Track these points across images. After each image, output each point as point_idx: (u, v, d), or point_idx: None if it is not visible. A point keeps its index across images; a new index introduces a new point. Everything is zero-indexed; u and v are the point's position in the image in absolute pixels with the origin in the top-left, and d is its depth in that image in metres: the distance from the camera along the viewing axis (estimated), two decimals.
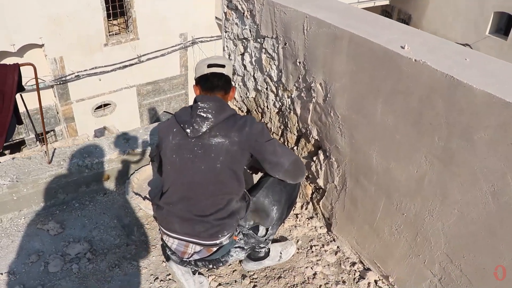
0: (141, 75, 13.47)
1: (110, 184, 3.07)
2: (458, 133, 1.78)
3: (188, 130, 1.99)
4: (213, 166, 1.99)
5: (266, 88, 3.06)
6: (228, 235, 2.07)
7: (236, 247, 2.18)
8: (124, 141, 3.11)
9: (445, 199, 1.92)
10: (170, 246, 2.14)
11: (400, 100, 1.99)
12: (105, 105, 13.37)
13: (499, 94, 1.60)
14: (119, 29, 13.02)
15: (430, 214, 2.02)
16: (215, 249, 2.08)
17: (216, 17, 13.76)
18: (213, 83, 2.08)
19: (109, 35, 12.58)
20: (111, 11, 12.22)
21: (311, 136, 2.69)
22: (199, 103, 2.01)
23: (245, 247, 2.22)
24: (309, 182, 2.86)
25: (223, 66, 2.09)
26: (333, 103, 2.40)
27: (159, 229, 2.22)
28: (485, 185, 1.73)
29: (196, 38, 13.95)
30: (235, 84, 3.43)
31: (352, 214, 2.53)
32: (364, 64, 2.12)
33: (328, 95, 2.41)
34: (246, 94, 3.36)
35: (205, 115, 1.98)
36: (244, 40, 3.13)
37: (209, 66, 2.08)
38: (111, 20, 12.58)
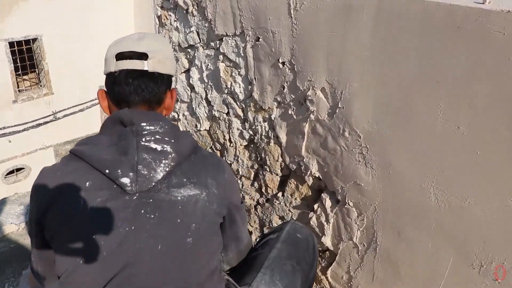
0: (58, 134, 12.09)
1: None
2: None
3: (125, 181, 1.00)
4: (179, 243, 1.02)
5: (228, 113, 2.17)
6: None
7: None
8: (22, 207, 2.06)
9: None
10: None
11: (486, 90, 1.18)
12: (18, 169, 11.79)
13: None
14: (30, 84, 11.72)
15: None
16: None
17: None
18: (129, 92, 1.10)
19: (19, 90, 11.23)
20: (19, 64, 10.93)
21: (308, 173, 1.81)
22: (144, 124, 1.04)
23: None
24: None
25: (144, 55, 1.10)
26: (348, 115, 1.55)
27: None
28: None
29: None
30: (175, 82, 2.50)
31: (390, 284, 1.63)
32: (408, 43, 1.30)
33: (339, 105, 1.56)
34: (196, 126, 2.44)
35: (160, 147, 1.03)
36: (189, 50, 2.25)
37: (119, 57, 1.10)
38: (20, 75, 11.28)
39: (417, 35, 1.28)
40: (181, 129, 2.59)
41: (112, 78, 1.11)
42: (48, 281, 1.15)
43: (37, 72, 11.74)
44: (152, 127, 1.04)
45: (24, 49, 11.21)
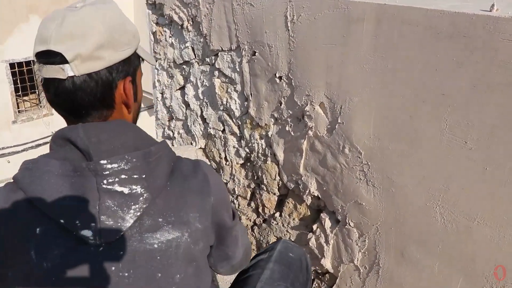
0: None
1: None
2: None
3: (86, 233, 0.78)
4: None
5: (223, 130, 2.10)
6: None
7: None
8: None
9: None
10: None
11: (495, 101, 1.11)
12: None
13: None
14: (30, 105, 11.74)
15: None
16: None
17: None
18: (63, 109, 0.86)
19: (18, 111, 11.26)
20: (19, 85, 10.99)
21: (306, 192, 1.73)
22: (103, 163, 0.79)
23: None
24: None
25: (59, 57, 0.79)
26: (348, 131, 1.47)
27: None
28: None
29: None
30: (170, 100, 2.35)
31: None
32: (411, 54, 1.24)
33: (339, 120, 1.49)
34: (192, 144, 2.37)
35: (127, 190, 0.81)
36: (184, 66, 2.19)
37: (38, 59, 0.83)
38: (20, 96, 11.30)
39: (421, 45, 1.22)
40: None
41: (43, 84, 0.85)
42: None
43: (37, 93, 11.78)
44: (115, 165, 0.79)
45: (25, 70, 11.28)
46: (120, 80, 0.87)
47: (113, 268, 0.80)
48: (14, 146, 11.04)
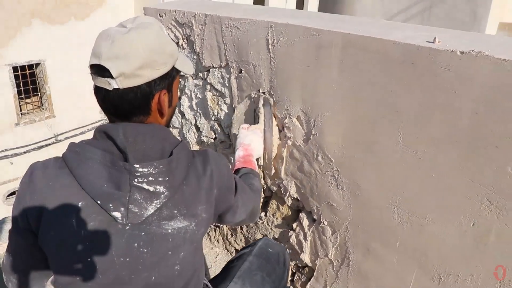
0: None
1: None
2: None
3: (116, 215, 1.01)
4: (170, 271, 1.08)
5: (215, 138, 2.30)
6: None
7: None
8: None
9: None
10: None
11: (437, 119, 1.31)
12: None
13: None
14: (32, 108, 11.94)
15: None
16: None
17: None
18: (107, 111, 1.08)
19: (21, 114, 11.46)
20: (22, 88, 11.19)
21: (287, 194, 1.94)
22: (137, 166, 1.01)
23: None
24: None
25: (107, 72, 0.99)
26: (321, 142, 1.68)
27: None
28: None
29: None
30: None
31: None
32: (371, 77, 1.45)
33: (313, 132, 1.70)
34: None
35: (152, 188, 1.03)
36: (180, 79, 2.40)
37: (91, 69, 1.03)
38: (23, 99, 11.50)
39: (378, 70, 1.42)
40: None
41: (95, 90, 1.06)
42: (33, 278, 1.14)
43: (39, 95, 12.00)
44: (145, 169, 1.01)
45: (27, 73, 11.48)
46: (157, 92, 1.07)
47: (136, 244, 1.03)
48: (17, 148, 11.25)
